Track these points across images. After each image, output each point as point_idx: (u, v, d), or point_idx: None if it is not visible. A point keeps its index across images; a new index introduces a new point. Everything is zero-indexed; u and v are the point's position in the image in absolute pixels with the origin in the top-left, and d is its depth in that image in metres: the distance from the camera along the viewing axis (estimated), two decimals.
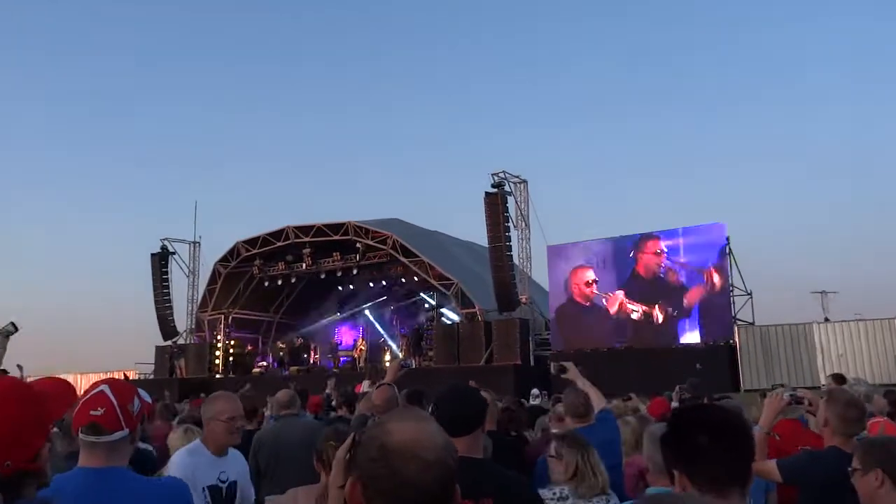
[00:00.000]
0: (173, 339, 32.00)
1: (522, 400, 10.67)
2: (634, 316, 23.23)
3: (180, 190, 64.57)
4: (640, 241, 23.68)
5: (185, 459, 3.48)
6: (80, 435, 2.28)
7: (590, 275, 24.25)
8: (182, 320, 32.62)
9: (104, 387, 2.33)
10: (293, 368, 28.46)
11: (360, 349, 28.69)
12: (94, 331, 56.68)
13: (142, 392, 2.43)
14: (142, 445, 3.78)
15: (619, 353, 22.81)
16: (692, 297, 22.48)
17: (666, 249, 23.15)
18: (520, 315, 24.49)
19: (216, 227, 66.32)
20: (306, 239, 28.79)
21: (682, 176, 61.29)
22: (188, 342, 32.03)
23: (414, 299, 30.81)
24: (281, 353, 30.41)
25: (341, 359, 29.19)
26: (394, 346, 30.01)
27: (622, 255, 23.86)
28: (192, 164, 65.66)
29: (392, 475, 1.30)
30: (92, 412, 2.27)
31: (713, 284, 22.20)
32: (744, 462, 1.82)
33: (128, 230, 64.17)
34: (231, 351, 31.24)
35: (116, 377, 3.03)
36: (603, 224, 73.71)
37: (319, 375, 25.76)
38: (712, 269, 22.23)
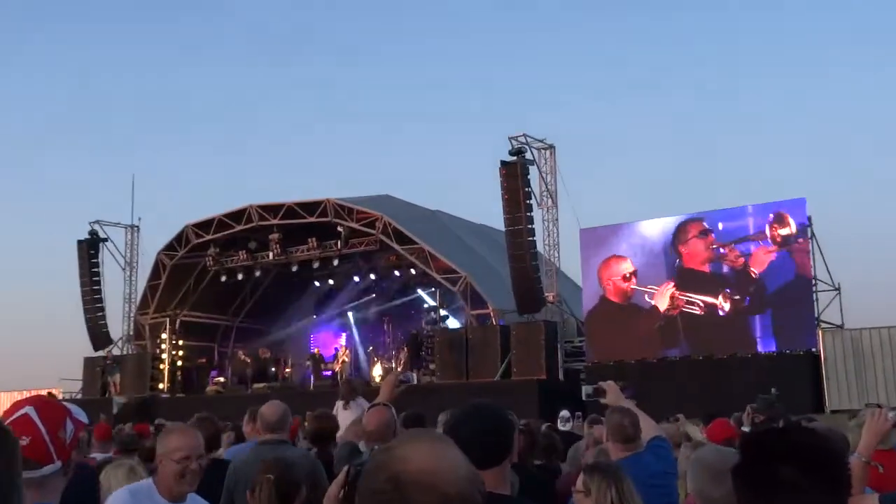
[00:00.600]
0: (107, 349, 32.14)
1: (549, 424, 10.76)
2: (693, 311, 23.23)
3: (114, 160, 64.62)
4: (681, 227, 23.79)
5: (124, 502, 3.49)
6: None
7: (626, 266, 24.27)
8: (117, 325, 32.89)
9: (28, 409, 2.33)
10: (258, 385, 28.59)
11: (343, 361, 28.80)
12: (4, 338, 57.02)
13: (74, 410, 2.43)
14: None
15: (671, 365, 22.86)
16: (759, 263, 22.53)
17: (709, 228, 23.32)
18: (545, 317, 24.58)
19: (160, 207, 66.39)
20: (274, 221, 28.85)
21: (750, 143, 61.21)
22: (125, 352, 32.20)
23: (411, 297, 30.86)
24: (243, 367, 30.52)
25: (322, 373, 29.30)
26: (385, 358, 30.10)
27: (671, 242, 24.02)
28: (129, 127, 65.75)
29: None
30: None
31: (778, 237, 22.32)
32: (837, 498, 1.83)
33: (47, 210, 64.34)
34: (179, 364, 31.35)
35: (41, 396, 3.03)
36: (653, 203, 73.77)
37: (290, 394, 25.86)
38: (775, 227, 22.37)
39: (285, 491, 3.45)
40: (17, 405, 2.36)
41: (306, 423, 7.70)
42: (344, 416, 7.53)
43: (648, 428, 4.62)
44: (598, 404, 5.14)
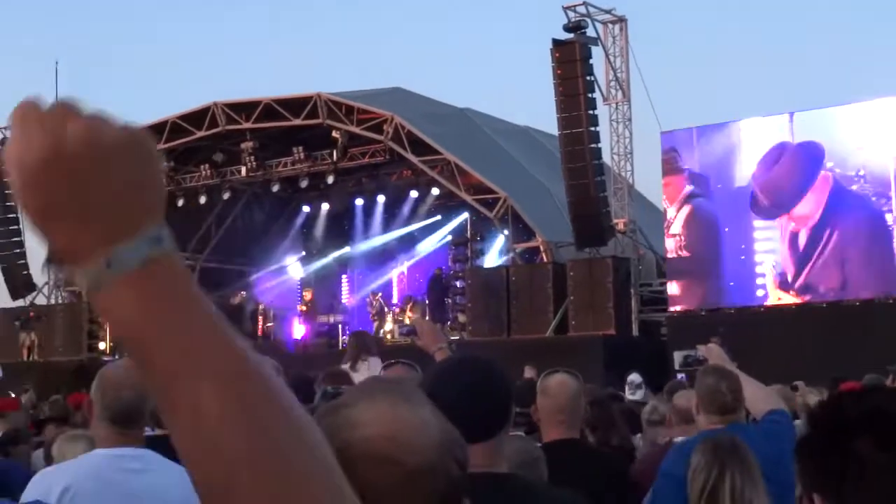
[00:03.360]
0: (29, 299, 32.63)
1: (618, 392, 10.91)
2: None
3: (34, 42, 64.68)
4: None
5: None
6: None
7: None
8: (41, 268, 33.20)
9: None
10: None
11: (375, 304, 29.04)
12: None
13: None
14: None
15: (785, 314, 22.77)
16: None
17: None
18: (614, 252, 24.58)
19: (92, 104, 66.24)
20: (247, 125, 28.78)
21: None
22: (52, 303, 32.55)
23: (433, 225, 30.79)
24: None
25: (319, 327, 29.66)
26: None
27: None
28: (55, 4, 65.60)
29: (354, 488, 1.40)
30: None
31: None
32: None
33: None
34: None
35: None
36: (765, 100, 72.67)
37: (271, 356, 26.03)
38: None
39: None
40: None
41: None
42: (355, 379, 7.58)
43: (761, 397, 4.61)
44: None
